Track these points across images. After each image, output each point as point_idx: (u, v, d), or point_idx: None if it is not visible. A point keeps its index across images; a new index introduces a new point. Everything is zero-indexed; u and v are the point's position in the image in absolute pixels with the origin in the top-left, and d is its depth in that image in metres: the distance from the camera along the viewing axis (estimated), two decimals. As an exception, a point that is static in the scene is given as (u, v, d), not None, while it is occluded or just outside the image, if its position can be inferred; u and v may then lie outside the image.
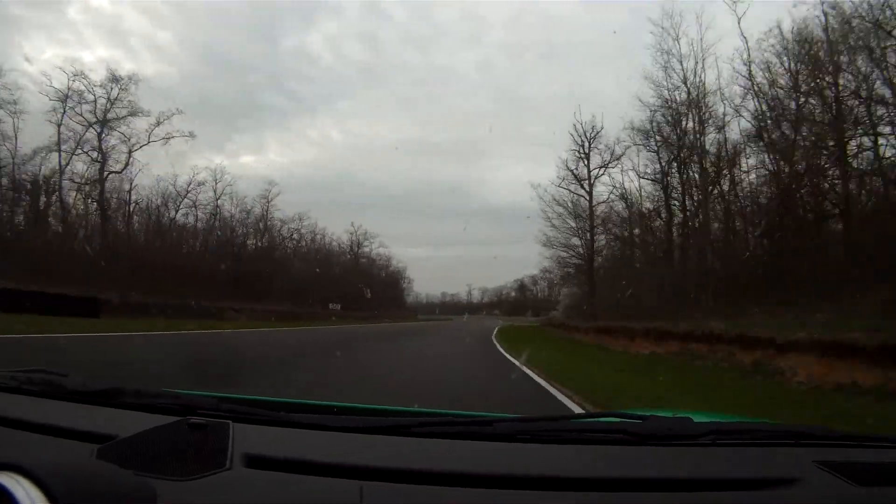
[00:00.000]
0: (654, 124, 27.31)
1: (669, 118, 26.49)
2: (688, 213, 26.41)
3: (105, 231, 32.63)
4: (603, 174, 32.20)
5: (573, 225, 33.83)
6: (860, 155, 19.02)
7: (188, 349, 10.95)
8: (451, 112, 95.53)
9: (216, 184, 39.90)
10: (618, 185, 31.81)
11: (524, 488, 0.83)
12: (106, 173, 32.88)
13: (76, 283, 21.96)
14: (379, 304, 60.65)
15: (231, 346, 13.33)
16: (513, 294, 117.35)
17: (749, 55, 22.76)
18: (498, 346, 17.97)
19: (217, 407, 1.05)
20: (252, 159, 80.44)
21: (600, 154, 32.13)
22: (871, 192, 19.13)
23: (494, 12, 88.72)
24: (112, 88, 32.55)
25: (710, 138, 24.90)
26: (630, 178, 33.52)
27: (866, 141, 18.70)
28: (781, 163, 21.31)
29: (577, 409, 5.79)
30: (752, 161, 23.67)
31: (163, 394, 1.16)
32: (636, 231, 31.49)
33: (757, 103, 22.72)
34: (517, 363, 11.23)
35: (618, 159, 31.04)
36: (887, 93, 17.75)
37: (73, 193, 32.62)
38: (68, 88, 31.14)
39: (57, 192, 31.70)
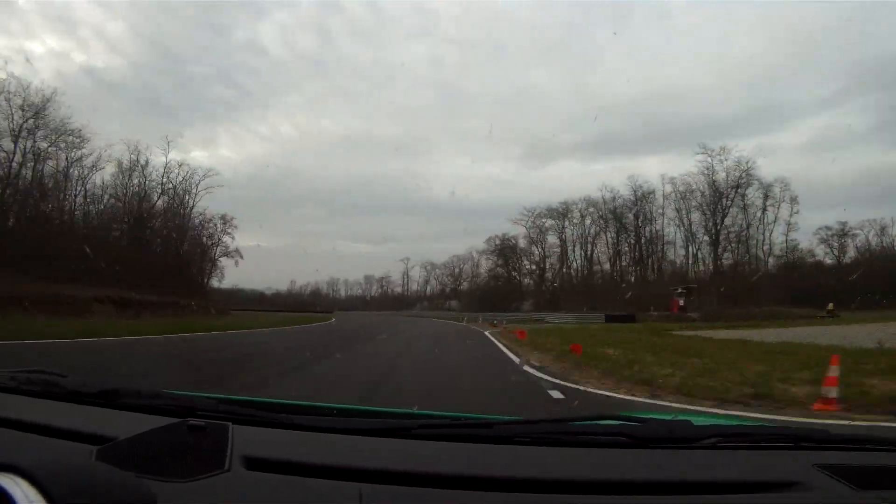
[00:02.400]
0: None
1: None
2: None
3: None
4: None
5: None
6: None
7: None
8: (396, 107, 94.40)
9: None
10: None
11: (524, 491, 0.83)
12: None
13: None
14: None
15: None
16: (483, 269, 68.66)
17: None
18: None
19: (216, 408, 1.05)
20: (203, 154, 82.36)
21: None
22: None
23: (445, 8, 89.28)
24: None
25: None
26: None
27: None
28: None
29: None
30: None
31: (162, 395, 1.16)
32: None
33: None
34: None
35: None
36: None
37: None
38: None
39: None
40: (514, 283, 63.69)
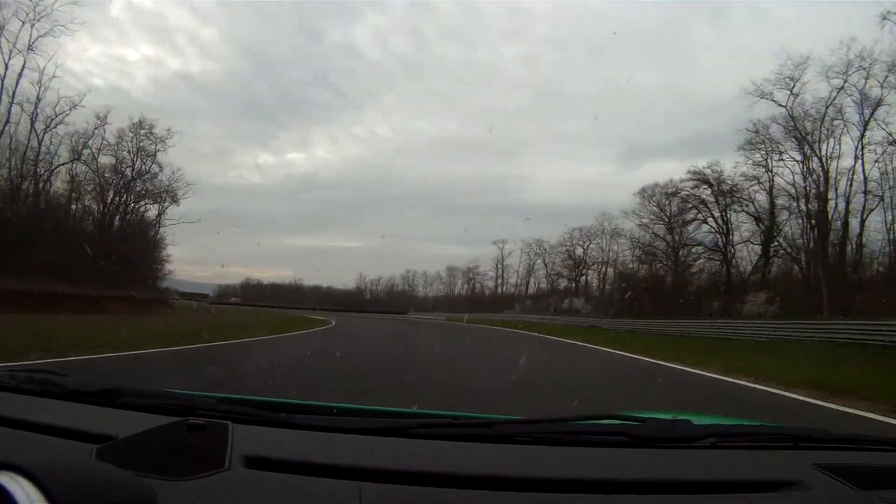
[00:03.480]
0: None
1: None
2: None
3: None
4: None
5: None
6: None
7: None
8: (492, 108, 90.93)
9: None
10: None
11: (524, 490, 0.83)
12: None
13: None
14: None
15: None
16: (625, 242, 38.62)
17: None
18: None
19: (216, 407, 1.05)
20: (299, 156, 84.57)
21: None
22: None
23: (539, 7, 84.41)
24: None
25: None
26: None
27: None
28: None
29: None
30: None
31: (162, 394, 1.16)
32: None
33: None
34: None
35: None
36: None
37: None
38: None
39: None
40: (711, 265, 31.04)
